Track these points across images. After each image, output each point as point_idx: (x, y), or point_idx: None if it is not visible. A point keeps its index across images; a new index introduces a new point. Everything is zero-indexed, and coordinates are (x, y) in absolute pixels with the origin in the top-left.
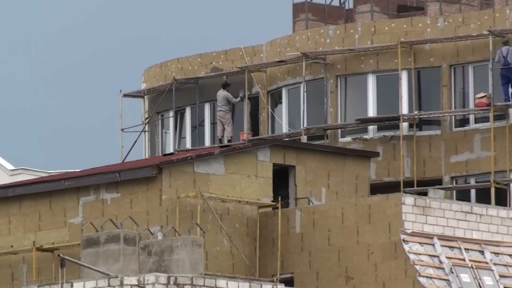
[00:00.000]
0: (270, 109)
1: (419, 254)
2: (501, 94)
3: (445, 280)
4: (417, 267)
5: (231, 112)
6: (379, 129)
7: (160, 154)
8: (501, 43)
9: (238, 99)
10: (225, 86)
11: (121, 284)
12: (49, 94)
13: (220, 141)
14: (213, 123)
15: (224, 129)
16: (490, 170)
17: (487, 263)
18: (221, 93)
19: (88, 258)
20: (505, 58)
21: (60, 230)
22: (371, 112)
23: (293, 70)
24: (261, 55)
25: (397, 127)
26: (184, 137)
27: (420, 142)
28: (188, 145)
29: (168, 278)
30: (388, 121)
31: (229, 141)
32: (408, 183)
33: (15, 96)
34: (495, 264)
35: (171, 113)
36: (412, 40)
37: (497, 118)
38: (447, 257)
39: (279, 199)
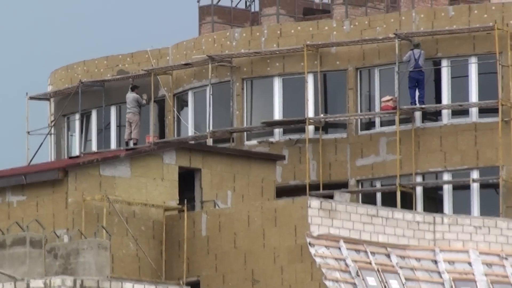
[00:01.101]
0: (176, 112)
1: (325, 257)
2: (407, 97)
3: (351, 283)
4: (323, 270)
5: (140, 115)
6: (285, 132)
7: (66, 157)
8: (411, 45)
9: (146, 100)
10: (134, 88)
11: (27, 287)
12: None
13: (127, 143)
14: (119, 126)
15: (131, 132)
16: (395, 174)
17: (393, 266)
18: (130, 95)
19: None
20: (417, 61)
21: None
22: (277, 115)
23: (199, 73)
24: (167, 58)
25: (303, 130)
26: (90, 140)
27: (326, 145)
28: (94, 148)
29: (75, 280)
30: (294, 124)
31: (135, 144)
32: (314, 186)
33: None
34: (401, 267)
35: (77, 116)
36: (318, 43)
37: (403, 121)
38: (353, 260)
39: (185, 202)
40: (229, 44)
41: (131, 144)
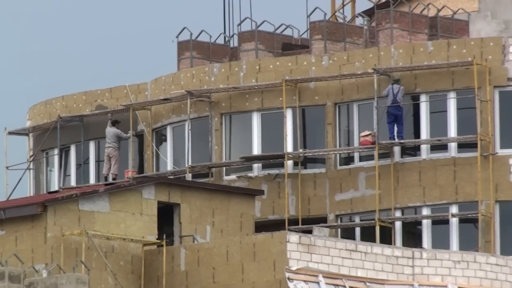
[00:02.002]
0: (155, 147)
1: None
2: (386, 132)
3: None
4: None
5: (119, 149)
6: (264, 167)
7: (45, 192)
8: (390, 80)
9: (129, 134)
10: (115, 123)
11: None
12: None
13: (106, 178)
14: (98, 161)
15: (111, 166)
16: (375, 208)
17: None
18: (111, 130)
19: None
20: (395, 96)
21: None
22: (256, 150)
23: (178, 108)
24: (146, 93)
25: (282, 165)
26: (69, 175)
27: (305, 180)
28: (73, 182)
29: None
30: (273, 159)
31: (113, 178)
32: (293, 221)
33: None
34: None
35: (56, 151)
36: (297, 78)
37: (381, 156)
38: None
39: (164, 237)
40: (207, 79)
41: (110, 179)
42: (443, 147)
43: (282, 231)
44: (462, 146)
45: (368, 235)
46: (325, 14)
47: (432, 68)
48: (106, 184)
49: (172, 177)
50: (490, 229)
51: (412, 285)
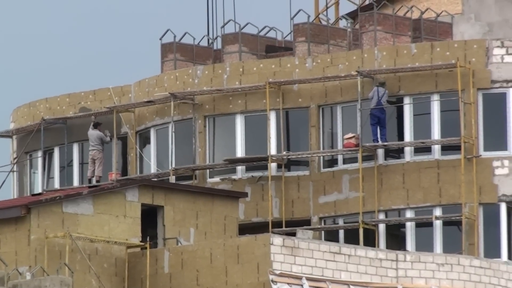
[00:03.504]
0: (138, 149)
1: None
2: (369, 134)
3: None
4: None
5: (103, 152)
6: (248, 169)
7: (28, 194)
8: (373, 82)
9: (110, 137)
10: (96, 125)
11: None
12: None
13: (90, 181)
14: (82, 163)
15: (95, 169)
16: (358, 211)
17: None
18: (94, 133)
19: None
20: (380, 99)
21: None
22: (240, 152)
23: (162, 110)
24: (130, 95)
25: (265, 167)
26: (53, 177)
27: (288, 182)
28: (57, 185)
29: None
30: (256, 162)
31: (97, 181)
32: (277, 224)
33: None
34: None
35: (40, 153)
36: (281, 80)
37: (365, 158)
38: None
39: (148, 239)
40: (191, 82)
41: (93, 182)
42: (427, 150)
43: (266, 233)
44: (445, 149)
45: (351, 238)
46: (309, 17)
47: (416, 71)
48: (89, 187)
49: (155, 179)
50: (473, 232)
51: (396, 287)
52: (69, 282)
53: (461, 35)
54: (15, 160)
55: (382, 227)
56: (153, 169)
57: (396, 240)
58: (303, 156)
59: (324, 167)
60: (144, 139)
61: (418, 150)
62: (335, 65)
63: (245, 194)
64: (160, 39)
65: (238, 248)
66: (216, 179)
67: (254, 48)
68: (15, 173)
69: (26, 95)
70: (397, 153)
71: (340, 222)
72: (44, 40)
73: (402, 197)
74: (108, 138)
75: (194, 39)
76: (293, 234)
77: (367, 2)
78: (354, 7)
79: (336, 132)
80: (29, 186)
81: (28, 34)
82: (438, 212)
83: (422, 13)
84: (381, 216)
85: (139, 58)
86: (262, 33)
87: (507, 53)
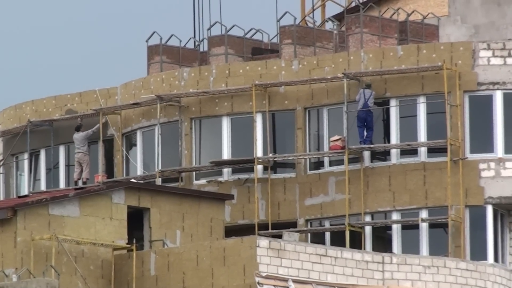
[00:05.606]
0: (125, 151)
1: None
2: (356, 136)
3: None
4: None
5: (89, 154)
6: (234, 171)
7: (15, 196)
8: (359, 85)
9: (95, 128)
10: (78, 128)
11: None
12: None
13: (76, 183)
14: (68, 165)
15: (81, 171)
16: (344, 213)
17: None
18: (78, 136)
19: None
20: (366, 101)
21: None
22: (226, 154)
23: (148, 112)
24: (116, 97)
25: (251, 169)
26: (39, 179)
27: (274, 184)
28: (43, 187)
29: None
30: (242, 164)
31: (84, 183)
32: (263, 226)
33: None
34: None
35: (26, 155)
36: (267, 82)
37: (351, 161)
38: None
39: (134, 241)
40: (177, 84)
41: (80, 184)
42: (413, 152)
43: (252, 235)
44: (432, 151)
45: (338, 240)
46: (295, 19)
47: (402, 73)
48: (76, 189)
49: (142, 181)
50: (460, 234)
51: None
52: (56, 284)
53: (448, 38)
54: (1, 162)
55: (368, 229)
56: (139, 171)
57: (382, 242)
58: (289, 158)
59: (310, 169)
60: (130, 141)
61: (404, 153)
62: (321, 67)
63: (231, 196)
64: (147, 41)
65: (224, 250)
66: (202, 181)
67: (240, 50)
68: (1, 175)
69: (12, 97)
70: (384, 155)
71: (327, 224)
72: (30, 42)
73: (388, 199)
74: (91, 132)
75: (180, 41)
76: (279, 236)
77: (353, 4)
78: (340, 9)
79: (322, 134)
80: (15, 188)
81: (13, 35)
82: (424, 214)
83: (409, 15)
84: (367, 219)
85: (125, 60)
86: (248, 35)
87: (494, 56)
